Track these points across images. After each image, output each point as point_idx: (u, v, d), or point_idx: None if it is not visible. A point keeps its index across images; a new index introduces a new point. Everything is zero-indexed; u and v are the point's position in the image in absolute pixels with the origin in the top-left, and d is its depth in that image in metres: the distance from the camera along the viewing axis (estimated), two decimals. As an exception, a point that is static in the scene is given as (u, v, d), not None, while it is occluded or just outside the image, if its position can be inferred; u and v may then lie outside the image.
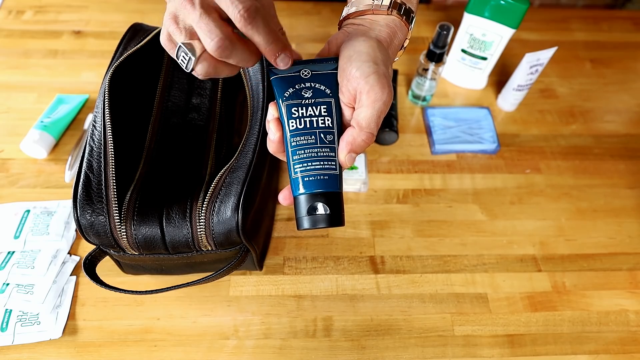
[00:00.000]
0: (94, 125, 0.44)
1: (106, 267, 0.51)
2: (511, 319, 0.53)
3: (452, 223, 0.61)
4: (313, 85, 0.35)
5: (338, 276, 0.56)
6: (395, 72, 0.75)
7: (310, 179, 0.34)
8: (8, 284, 0.50)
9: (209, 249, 0.44)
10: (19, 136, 0.63)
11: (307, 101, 0.35)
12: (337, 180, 0.35)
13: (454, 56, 0.73)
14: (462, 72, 0.74)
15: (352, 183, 0.61)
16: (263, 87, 0.49)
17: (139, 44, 0.50)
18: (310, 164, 0.34)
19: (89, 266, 0.44)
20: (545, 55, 0.65)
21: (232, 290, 0.54)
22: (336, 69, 0.35)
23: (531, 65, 0.65)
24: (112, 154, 0.42)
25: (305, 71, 0.35)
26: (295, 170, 0.34)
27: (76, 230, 0.56)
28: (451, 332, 0.52)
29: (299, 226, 0.35)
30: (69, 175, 0.61)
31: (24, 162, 0.62)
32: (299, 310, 0.53)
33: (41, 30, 0.78)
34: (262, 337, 0.51)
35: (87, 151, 0.43)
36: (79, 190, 0.41)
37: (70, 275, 0.53)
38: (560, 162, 0.68)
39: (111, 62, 0.50)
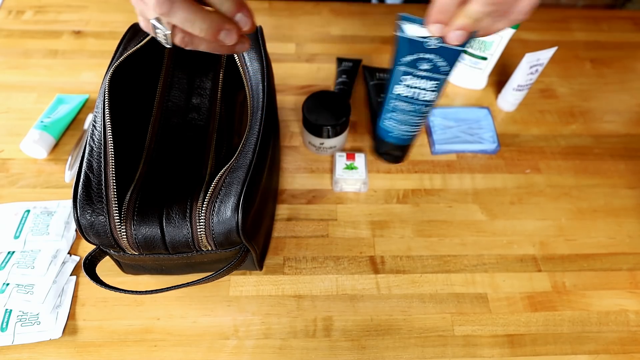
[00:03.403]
0: (94, 125, 0.44)
1: (106, 267, 0.51)
2: (511, 319, 0.53)
3: (452, 223, 0.61)
4: (435, 58, 0.34)
5: (338, 276, 0.56)
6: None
7: (395, 134, 0.43)
8: (8, 284, 0.50)
9: (209, 249, 0.44)
10: (19, 136, 0.63)
11: (421, 73, 0.34)
12: (414, 137, 0.42)
13: (454, 56, 0.73)
14: (462, 72, 0.74)
15: (352, 183, 0.61)
16: (263, 87, 0.49)
17: (139, 44, 0.50)
18: (400, 124, 0.41)
19: (89, 266, 0.44)
20: (545, 55, 0.65)
21: (232, 290, 0.54)
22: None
23: (531, 65, 0.65)
24: (112, 154, 0.42)
25: (431, 40, 0.33)
26: (384, 123, 0.41)
27: (76, 230, 0.56)
28: (451, 332, 0.52)
29: (376, 152, 0.45)
30: (69, 175, 0.60)
31: (24, 162, 0.62)
32: (299, 310, 0.53)
33: (41, 30, 0.78)
34: (262, 337, 0.51)
35: (87, 151, 0.43)
36: (79, 190, 0.41)
37: (70, 275, 0.53)
38: (560, 162, 0.68)
39: (111, 62, 0.50)
